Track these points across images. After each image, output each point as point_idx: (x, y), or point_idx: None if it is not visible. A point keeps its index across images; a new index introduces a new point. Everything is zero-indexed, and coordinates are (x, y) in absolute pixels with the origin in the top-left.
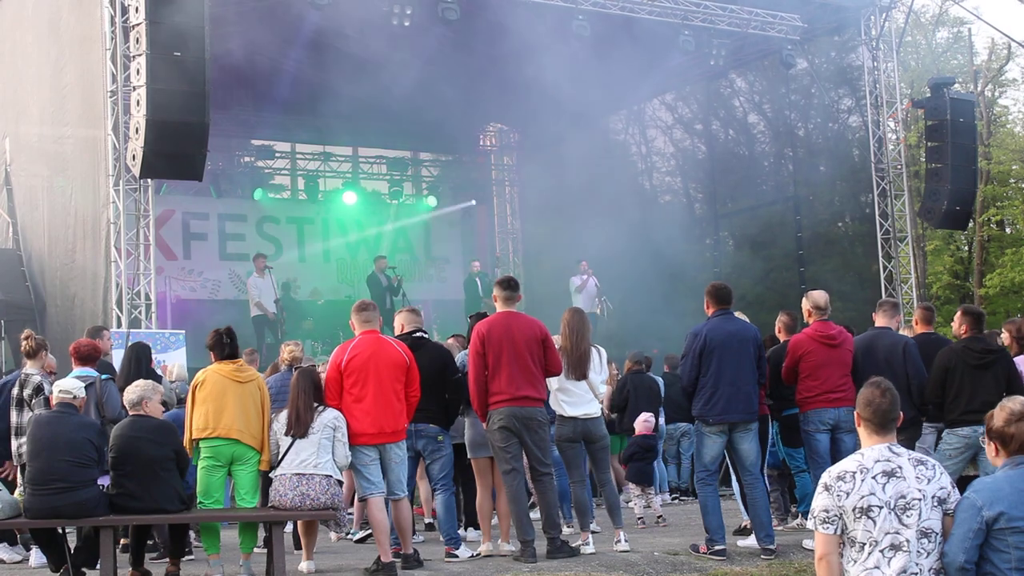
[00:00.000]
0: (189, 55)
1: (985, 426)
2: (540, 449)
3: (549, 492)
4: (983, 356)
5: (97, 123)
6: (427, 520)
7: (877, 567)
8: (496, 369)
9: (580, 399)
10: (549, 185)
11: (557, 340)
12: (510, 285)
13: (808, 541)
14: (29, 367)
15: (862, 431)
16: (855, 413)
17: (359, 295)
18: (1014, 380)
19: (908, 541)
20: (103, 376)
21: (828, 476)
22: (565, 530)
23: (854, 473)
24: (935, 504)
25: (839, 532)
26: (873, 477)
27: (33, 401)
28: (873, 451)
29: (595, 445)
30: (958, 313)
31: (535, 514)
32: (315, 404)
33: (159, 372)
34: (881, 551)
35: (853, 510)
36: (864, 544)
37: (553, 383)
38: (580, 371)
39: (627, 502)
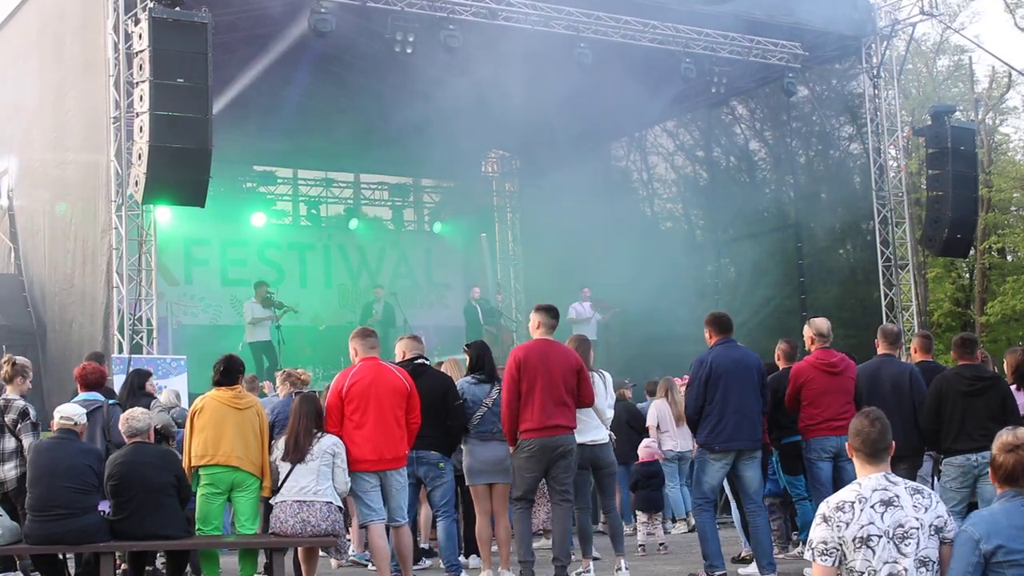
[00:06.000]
0: (192, 82)
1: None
2: (565, 474)
3: (566, 519)
4: (973, 383)
5: (100, 149)
6: (423, 544)
7: None
8: (529, 396)
9: (587, 426)
10: (551, 211)
11: None
12: (551, 313)
13: (809, 569)
14: (8, 392)
15: (856, 461)
16: (847, 444)
17: (360, 321)
18: (1011, 410)
19: (906, 570)
20: (110, 401)
21: (826, 507)
22: None
23: (853, 503)
24: (932, 533)
25: (837, 564)
26: (872, 507)
27: (19, 426)
28: (870, 480)
29: (602, 471)
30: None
31: (538, 544)
32: (315, 431)
33: (157, 396)
34: None
35: (853, 540)
36: (863, 573)
37: None
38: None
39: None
